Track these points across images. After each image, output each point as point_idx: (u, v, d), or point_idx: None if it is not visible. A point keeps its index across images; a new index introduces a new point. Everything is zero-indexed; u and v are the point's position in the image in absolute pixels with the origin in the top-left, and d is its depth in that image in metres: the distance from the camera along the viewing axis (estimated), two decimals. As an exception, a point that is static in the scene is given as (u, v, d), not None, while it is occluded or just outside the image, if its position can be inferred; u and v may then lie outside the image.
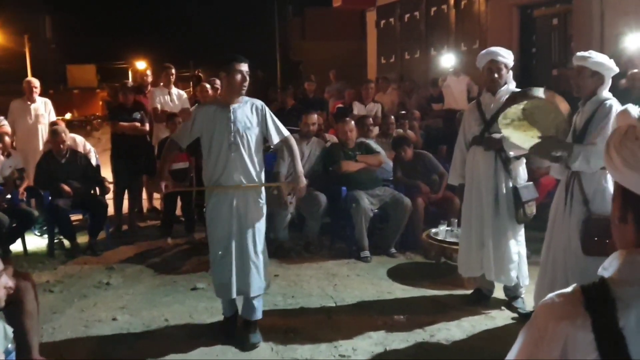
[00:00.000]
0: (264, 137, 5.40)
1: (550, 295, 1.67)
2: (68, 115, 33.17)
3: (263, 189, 5.43)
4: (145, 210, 10.44)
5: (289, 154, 5.63)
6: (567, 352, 1.56)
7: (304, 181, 5.51)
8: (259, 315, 5.42)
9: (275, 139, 5.39)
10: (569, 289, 1.64)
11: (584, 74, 4.96)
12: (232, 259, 5.20)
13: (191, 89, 28.70)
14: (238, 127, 5.16)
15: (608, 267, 1.62)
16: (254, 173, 5.26)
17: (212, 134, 5.17)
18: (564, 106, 5.05)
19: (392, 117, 10.29)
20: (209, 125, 5.18)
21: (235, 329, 5.52)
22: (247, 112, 5.25)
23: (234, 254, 5.21)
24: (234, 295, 5.28)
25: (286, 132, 5.47)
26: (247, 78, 5.16)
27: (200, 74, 32.48)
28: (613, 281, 1.58)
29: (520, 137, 5.18)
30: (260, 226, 5.35)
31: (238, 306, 5.57)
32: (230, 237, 5.20)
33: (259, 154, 5.34)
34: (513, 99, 5.23)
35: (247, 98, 5.32)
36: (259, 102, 5.39)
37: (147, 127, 9.48)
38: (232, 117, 5.15)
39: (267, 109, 5.39)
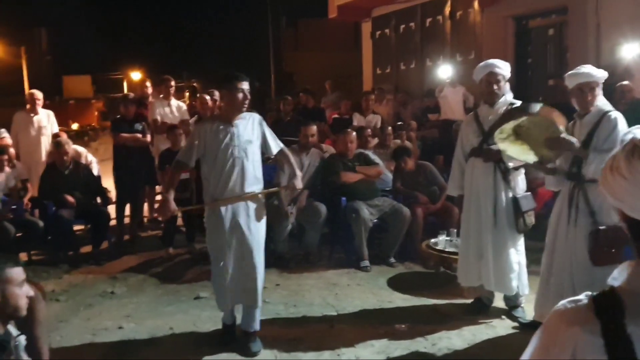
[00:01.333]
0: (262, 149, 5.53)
1: (563, 302, 1.75)
2: (75, 126, 33.13)
3: (263, 199, 5.53)
4: (146, 220, 10.49)
5: (286, 161, 5.70)
6: (577, 355, 1.64)
7: (300, 183, 5.59)
8: (258, 326, 5.50)
9: (275, 150, 5.54)
10: (580, 296, 1.72)
11: (596, 89, 5.06)
12: (234, 270, 5.31)
13: (186, 99, 28.75)
14: (241, 142, 5.28)
15: (617, 277, 1.69)
16: (256, 184, 5.39)
17: (216, 150, 5.26)
18: (561, 121, 5.10)
19: (390, 128, 10.38)
20: (212, 142, 5.27)
21: (234, 337, 5.60)
22: (248, 126, 5.37)
23: (236, 265, 5.31)
24: (233, 305, 5.45)
25: (281, 144, 5.64)
26: (249, 96, 5.29)
27: (195, 84, 32.55)
28: (622, 290, 1.66)
29: (517, 151, 5.24)
30: (262, 236, 5.48)
31: (237, 316, 5.66)
32: (233, 249, 5.29)
33: (260, 165, 5.46)
34: (510, 114, 5.29)
35: (246, 113, 5.42)
36: (257, 117, 5.51)
37: (148, 138, 9.56)
38: (235, 133, 5.27)
39: (264, 122, 5.53)
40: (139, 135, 9.39)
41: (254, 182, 5.36)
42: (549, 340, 1.73)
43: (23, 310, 3.64)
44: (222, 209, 5.28)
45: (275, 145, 5.55)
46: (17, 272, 3.55)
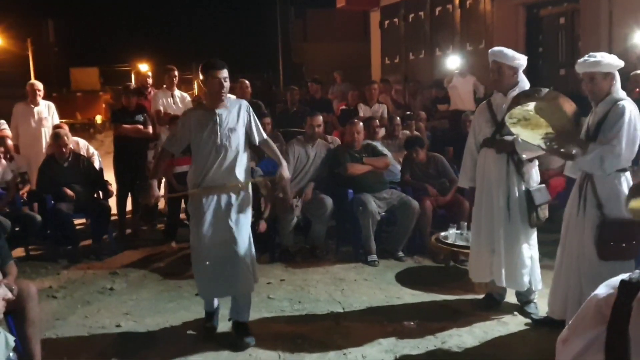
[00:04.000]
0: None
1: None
2: (99, 118, 33.06)
3: (250, 187, 5.49)
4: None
5: (270, 151, 5.65)
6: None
7: (287, 173, 5.54)
8: (248, 316, 5.47)
9: (257, 139, 5.49)
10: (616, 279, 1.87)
11: (597, 79, 4.89)
12: (217, 260, 5.25)
13: (195, 91, 28.64)
14: (224, 130, 5.26)
15: None
16: (241, 173, 5.36)
17: (200, 138, 5.25)
18: (568, 106, 5.02)
19: (398, 118, 10.18)
20: (196, 130, 5.26)
21: (216, 325, 5.60)
22: (233, 114, 5.34)
23: (220, 255, 5.26)
24: (221, 295, 5.50)
25: (265, 135, 5.61)
26: (225, 84, 5.24)
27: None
28: None
29: (530, 135, 5.07)
30: (247, 226, 5.43)
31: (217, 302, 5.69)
32: (216, 239, 5.24)
33: (245, 154, 5.42)
34: (517, 100, 5.17)
35: (232, 100, 5.47)
36: (244, 103, 5.50)
37: (150, 129, 9.42)
38: (218, 121, 5.25)
39: (251, 110, 5.51)
40: (140, 127, 9.25)
41: (239, 170, 5.34)
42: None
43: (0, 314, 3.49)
44: (209, 197, 5.26)
45: (259, 134, 5.50)
46: None
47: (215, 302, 5.66)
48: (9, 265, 4.51)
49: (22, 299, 4.22)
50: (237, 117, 5.33)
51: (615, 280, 1.85)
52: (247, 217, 5.41)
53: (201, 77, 5.29)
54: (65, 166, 8.33)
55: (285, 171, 5.50)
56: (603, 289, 1.84)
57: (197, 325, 5.77)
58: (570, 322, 1.92)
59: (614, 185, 4.84)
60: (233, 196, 5.29)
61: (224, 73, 5.20)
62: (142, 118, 9.31)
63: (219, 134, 5.21)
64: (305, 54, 30.96)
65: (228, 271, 5.26)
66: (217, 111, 5.25)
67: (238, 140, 5.31)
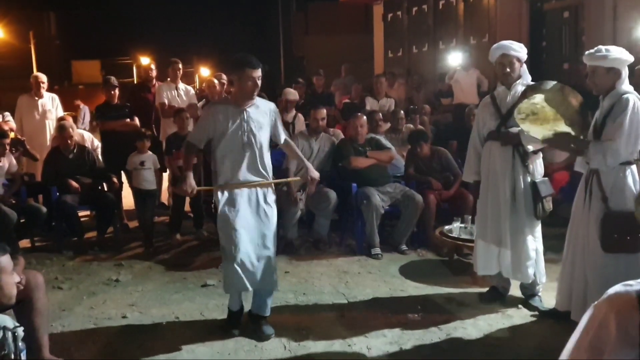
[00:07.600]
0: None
1: (617, 285, 1.79)
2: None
3: (273, 186, 5.51)
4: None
5: (292, 153, 5.80)
6: (610, 342, 1.68)
7: (316, 172, 5.66)
8: (269, 310, 5.47)
9: (282, 139, 5.55)
10: (633, 282, 1.75)
11: (598, 72, 4.90)
12: (251, 254, 5.22)
13: (196, 84, 28.61)
14: (251, 127, 5.24)
15: None
16: (265, 171, 5.36)
17: (226, 134, 5.21)
18: (573, 98, 5.02)
19: (402, 112, 10.18)
20: (223, 126, 5.21)
21: (240, 324, 5.51)
22: (260, 113, 5.32)
23: (253, 250, 5.24)
24: (250, 288, 5.28)
25: (286, 136, 5.67)
26: (259, 84, 5.19)
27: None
28: None
29: (539, 131, 5.09)
30: (274, 222, 5.43)
31: (244, 304, 5.58)
32: (249, 234, 5.23)
33: (268, 153, 5.42)
34: (524, 93, 5.21)
35: (259, 99, 5.39)
36: (272, 105, 5.51)
37: (136, 121, 9.38)
38: (245, 118, 5.22)
39: (277, 112, 5.52)
40: (127, 120, 9.30)
41: (264, 168, 5.33)
42: (593, 321, 1.77)
43: (14, 298, 3.53)
44: (237, 194, 5.24)
45: (284, 134, 5.58)
46: (6, 261, 3.45)
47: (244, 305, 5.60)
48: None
49: (30, 289, 4.24)
50: (264, 116, 5.33)
51: (625, 293, 1.78)
52: (275, 215, 5.42)
53: (233, 72, 5.23)
54: (70, 158, 8.33)
55: (314, 172, 5.62)
56: (616, 306, 1.77)
57: (202, 317, 5.81)
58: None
59: (619, 179, 4.85)
60: (264, 192, 5.33)
61: (259, 72, 5.15)
62: (127, 110, 9.34)
63: (246, 132, 5.20)
64: (307, 47, 30.96)
65: (264, 266, 5.28)
66: (246, 108, 5.23)
67: (264, 138, 5.31)
